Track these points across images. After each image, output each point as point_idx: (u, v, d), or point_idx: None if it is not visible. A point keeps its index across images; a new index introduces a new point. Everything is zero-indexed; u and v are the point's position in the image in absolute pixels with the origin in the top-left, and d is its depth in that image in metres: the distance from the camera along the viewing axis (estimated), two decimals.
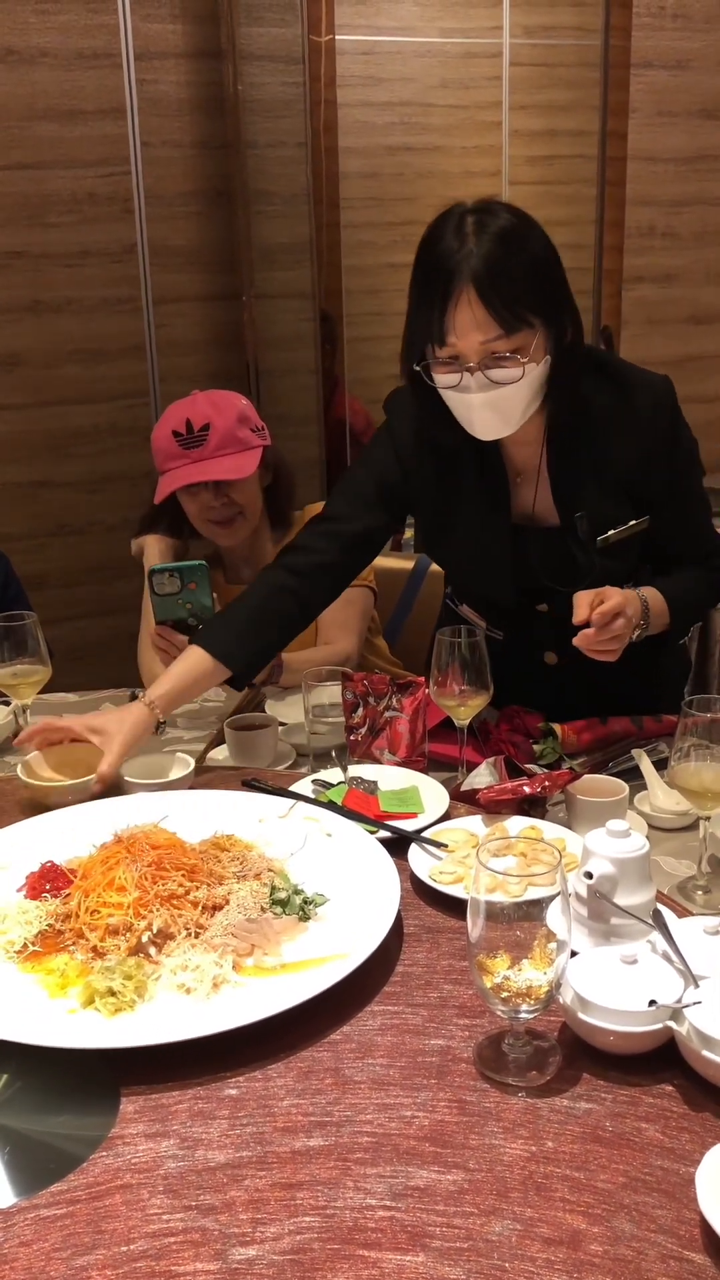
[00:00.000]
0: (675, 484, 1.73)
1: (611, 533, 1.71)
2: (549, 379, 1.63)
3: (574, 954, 1.15)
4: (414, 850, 1.43)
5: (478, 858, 1.07)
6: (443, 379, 1.59)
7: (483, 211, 1.57)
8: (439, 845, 1.43)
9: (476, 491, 1.77)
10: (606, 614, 1.53)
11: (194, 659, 1.72)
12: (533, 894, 1.15)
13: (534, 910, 1.05)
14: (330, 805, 1.52)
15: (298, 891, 1.34)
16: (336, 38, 3.49)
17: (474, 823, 1.51)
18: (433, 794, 1.57)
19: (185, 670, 1.72)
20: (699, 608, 1.83)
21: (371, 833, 1.45)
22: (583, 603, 1.55)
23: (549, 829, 1.46)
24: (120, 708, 1.73)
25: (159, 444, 2.12)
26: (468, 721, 1.63)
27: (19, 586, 2.42)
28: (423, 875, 1.38)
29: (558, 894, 1.06)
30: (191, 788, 1.64)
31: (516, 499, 1.76)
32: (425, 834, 1.46)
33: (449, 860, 1.41)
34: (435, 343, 1.57)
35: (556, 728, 1.71)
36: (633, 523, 1.71)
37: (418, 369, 1.61)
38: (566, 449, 1.71)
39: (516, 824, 1.48)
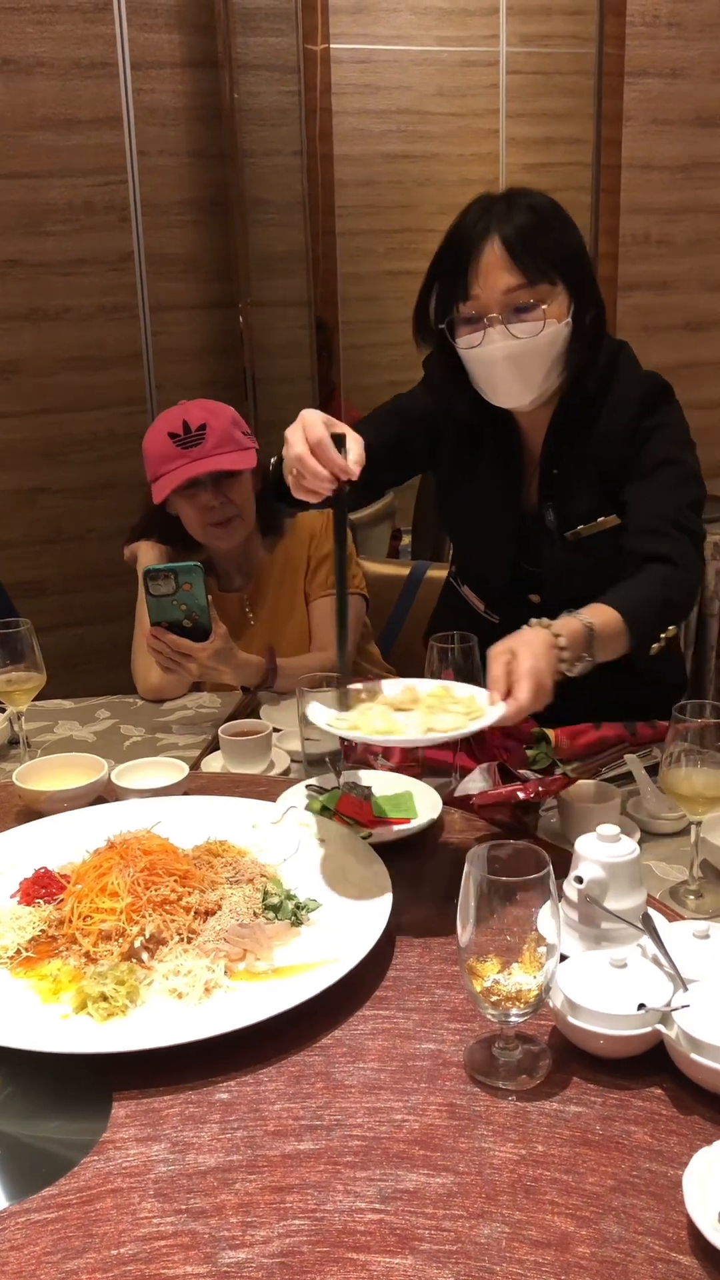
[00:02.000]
0: (643, 472, 1.68)
1: (581, 527, 1.73)
2: (568, 352, 1.65)
3: (564, 958, 1.16)
4: (314, 706, 1.41)
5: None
6: (466, 339, 1.63)
7: (516, 191, 1.64)
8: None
9: (491, 470, 1.79)
10: (519, 713, 1.33)
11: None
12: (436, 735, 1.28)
13: (524, 915, 1.05)
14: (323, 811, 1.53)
15: (290, 897, 1.34)
16: (332, 46, 3.50)
17: (389, 685, 1.48)
18: (427, 800, 1.58)
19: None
20: (666, 611, 1.59)
21: (365, 837, 1.46)
22: (495, 676, 1.36)
23: (460, 689, 1.46)
24: None
25: (153, 449, 2.12)
26: None
27: (4, 595, 2.42)
28: (320, 722, 1.37)
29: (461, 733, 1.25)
30: (185, 793, 1.65)
31: (526, 486, 1.79)
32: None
33: (354, 713, 1.39)
34: (460, 299, 1.61)
35: (550, 733, 1.72)
36: (601, 519, 1.72)
37: (441, 327, 1.65)
38: (564, 439, 1.73)
39: (426, 686, 1.48)
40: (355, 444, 1.41)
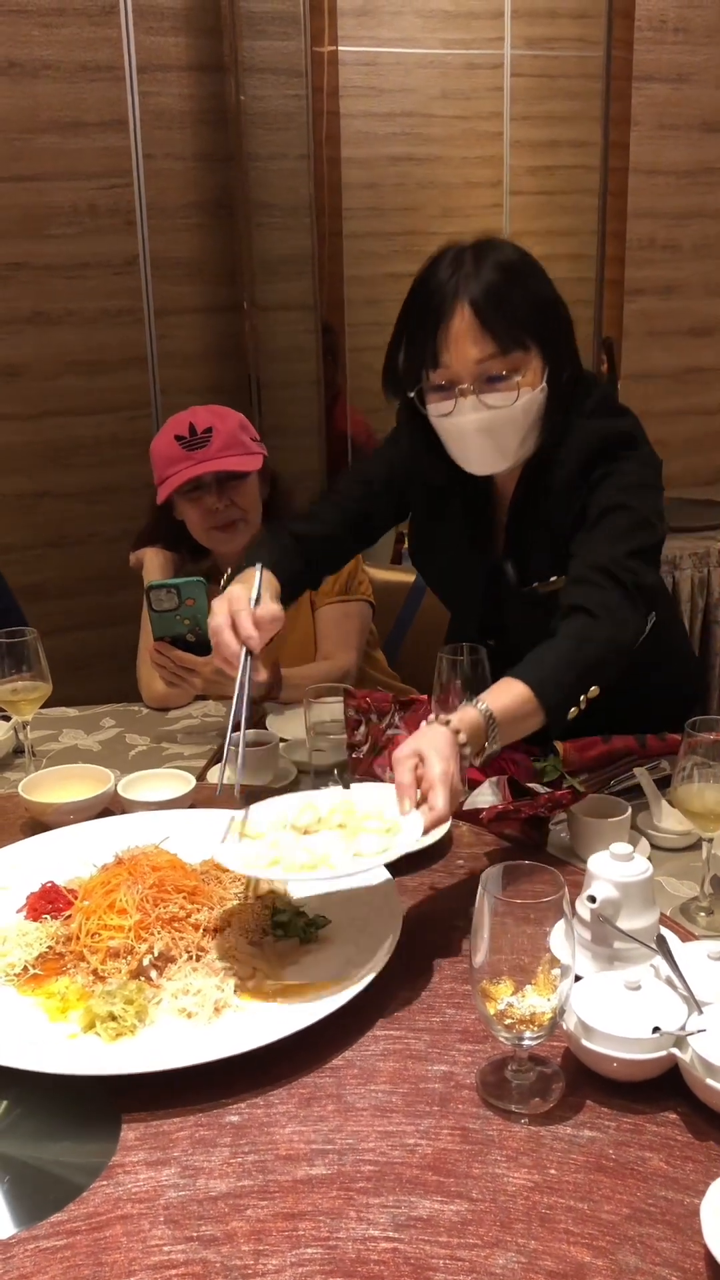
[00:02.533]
0: (588, 523, 1.59)
1: (536, 584, 1.69)
2: (543, 417, 1.60)
3: (578, 978, 1.15)
4: (223, 850, 1.30)
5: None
6: (436, 407, 1.58)
7: (483, 246, 1.56)
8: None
9: (460, 525, 1.76)
10: (439, 822, 1.27)
11: (248, 573, 1.59)
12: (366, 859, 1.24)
13: (538, 936, 1.04)
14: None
15: (300, 913, 1.33)
16: (339, 49, 3.49)
17: (284, 804, 1.40)
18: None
19: (246, 579, 1.58)
20: (586, 675, 1.45)
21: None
22: (404, 783, 1.29)
23: (361, 801, 1.37)
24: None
25: (160, 451, 2.12)
26: None
27: (12, 599, 2.41)
28: (236, 866, 1.27)
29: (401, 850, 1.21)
30: (192, 806, 1.64)
31: (495, 540, 1.75)
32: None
33: (263, 845, 1.30)
34: (429, 366, 1.55)
35: (559, 745, 1.71)
36: (554, 579, 1.66)
37: (411, 395, 1.59)
38: (529, 493, 1.68)
39: (324, 800, 1.39)
40: (269, 604, 1.52)
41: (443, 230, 3.57)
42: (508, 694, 1.40)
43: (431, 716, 1.53)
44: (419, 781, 1.29)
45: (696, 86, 3.63)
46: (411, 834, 1.25)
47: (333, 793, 1.42)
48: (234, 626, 1.48)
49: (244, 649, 1.47)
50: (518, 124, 3.83)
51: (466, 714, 1.36)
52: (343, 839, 1.29)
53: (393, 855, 1.25)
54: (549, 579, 1.68)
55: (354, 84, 3.61)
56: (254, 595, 1.52)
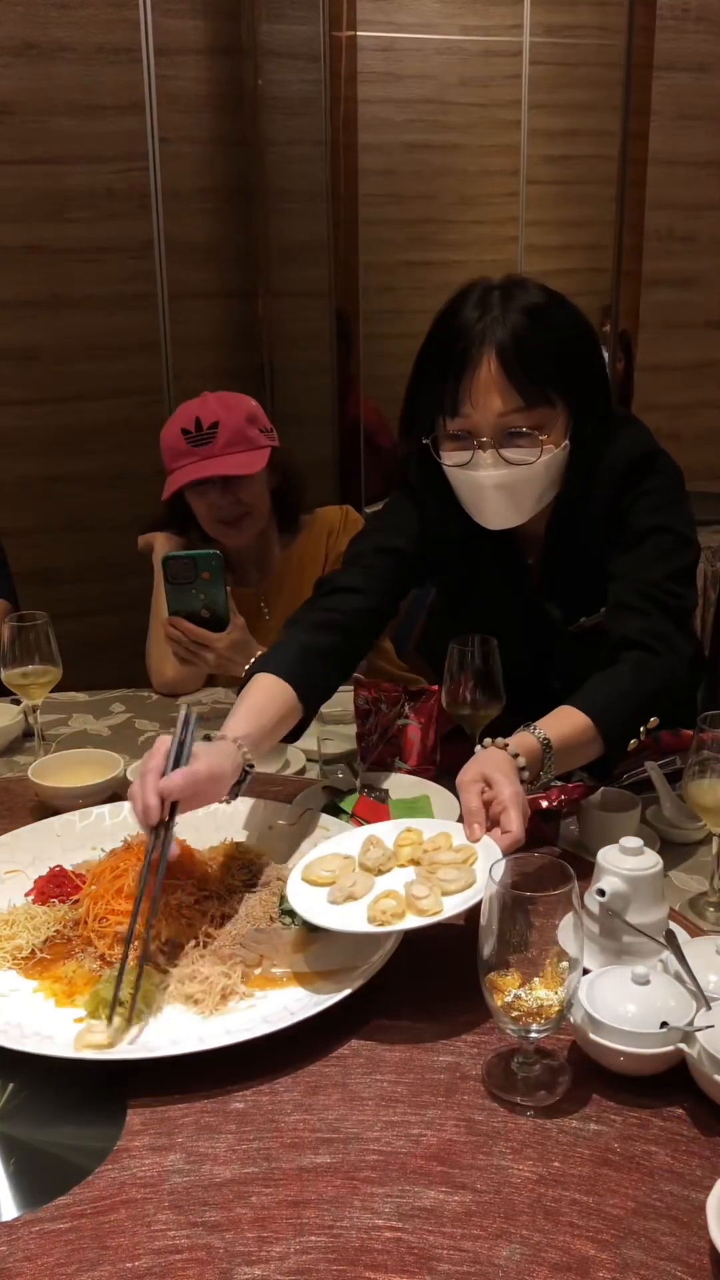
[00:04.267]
0: (625, 545, 1.57)
1: (584, 619, 1.65)
2: (566, 468, 1.54)
3: (586, 971, 1.14)
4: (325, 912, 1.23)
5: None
6: (452, 456, 1.51)
7: (510, 285, 1.50)
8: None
9: (491, 575, 1.70)
10: (516, 845, 1.25)
11: (260, 686, 1.49)
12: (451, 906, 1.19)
13: (546, 928, 1.04)
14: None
15: None
16: (358, 34, 3.47)
17: (347, 841, 1.37)
18: (444, 803, 1.56)
19: (256, 700, 1.47)
20: (644, 706, 1.46)
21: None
22: (473, 808, 1.29)
23: (426, 829, 1.36)
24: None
25: (168, 442, 2.12)
26: (479, 731, 1.62)
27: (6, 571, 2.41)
28: (337, 925, 1.21)
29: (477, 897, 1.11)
30: None
31: (529, 583, 1.70)
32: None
33: (340, 892, 1.26)
34: (447, 414, 1.49)
35: None
36: (603, 609, 1.61)
37: (426, 442, 1.53)
38: (561, 532, 1.63)
39: (386, 830, 1.38)
40: (195, 762, 1.29)
41: (459, 219, 3.55)
42: (567, 723, 1.41)
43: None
44: (486, 806, 1.29)
45: (717, 76, 3.60)
46: (490, 859, 1.20)
47: (390, 826, 1.39)
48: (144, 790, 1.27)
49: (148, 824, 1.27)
50: (536, 112, 3.81)
51: (525, 740, 1.36)
52: (421, 875, 1.26)
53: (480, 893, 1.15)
54: (597, 611, 1.62)
55: (372, 69, 3.58)
56: (172, 756, 1.30)
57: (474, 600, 1.74)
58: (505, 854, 1.22)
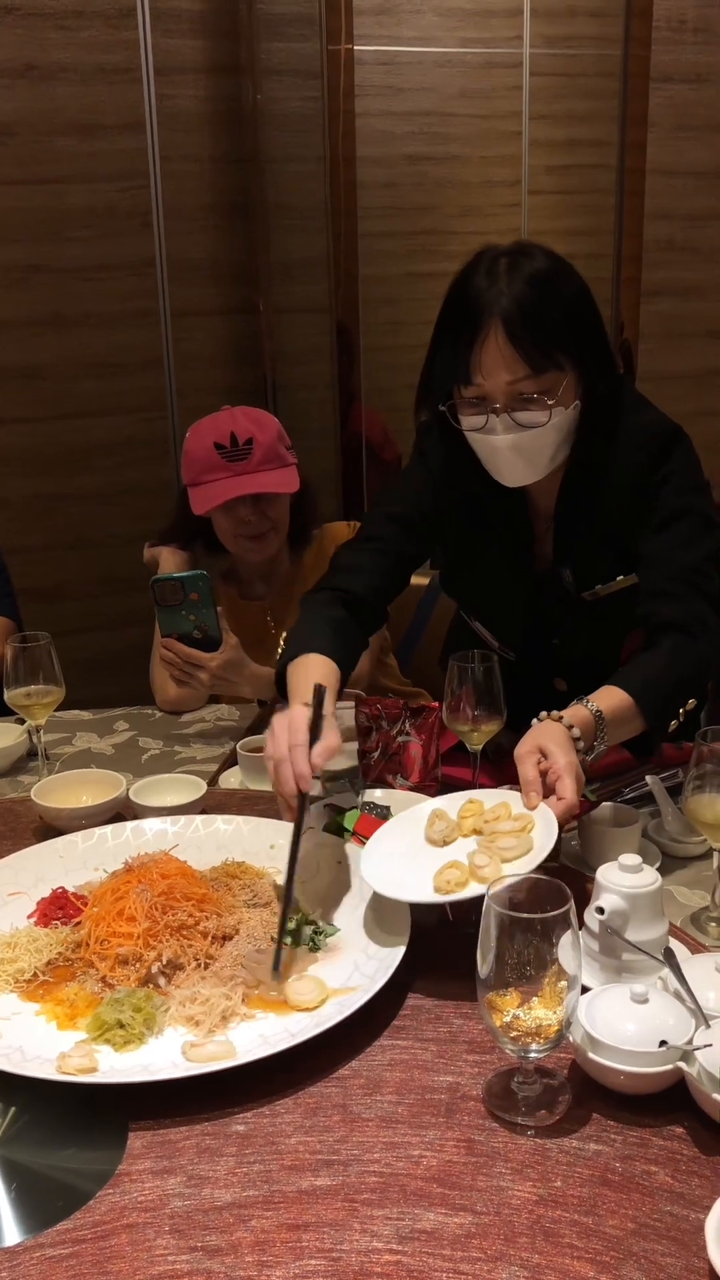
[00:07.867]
0: (655, 526, 1.62)
1: (599, 587, 1.69)
2: (579, 427, 1.59)
3: (585, 990, 1.14)
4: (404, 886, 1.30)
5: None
6: (468, 420, 1.57)
7: (516, 253, 1.54)
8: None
9: (501, 537, 1.74)
10: (570, 811, 1.34)
11: (315, 662, 1.56)
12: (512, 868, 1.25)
13: (544, 948, 1.04)
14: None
15: (308, 921, 1.33)
16: (356, 48, 3.49)
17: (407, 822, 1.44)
18: None
19: (319, 673, 1.53)
20: (682, 688, 1.54)
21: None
22: (530, 778, 1.37)
23: (486, 798, 1.43)
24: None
25: (197, 455, 2.11)
26: (480, 746, 1.62)
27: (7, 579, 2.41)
28: (417, 897, 1.28)
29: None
30: (203, 811, 1.64)
31: (538, 547, 1.74)
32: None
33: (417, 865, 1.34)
34: (461, 382, 1.55)
35: None
36: (620, 578, 1.67)
37: (443, 409, 1.59)
38: (576, 499, 1.67)
39: (450, 806, 1.44)
40: (329, 734, 1.42)
41: (461, 230, 3.56)
42: (613, 697, 1.48)
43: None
44: (543, 775, 1.36)
45: (715, 87, 3.61)
46: (547, 826, 1.31)
47: (454, 798, 1.45)
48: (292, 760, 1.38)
49: (302, 791, 1.37)
50: (536, 123, 3.82)
51: (578, 711, 1.44)
52: (482, 845, 1.33)
53: (544, 858, 1.28)
54: (612, 579, 1.68)
55: (372, 83, 3.60)
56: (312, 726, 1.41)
57: (480, 566, 1.78)
58: (560, 820, 1.31)
